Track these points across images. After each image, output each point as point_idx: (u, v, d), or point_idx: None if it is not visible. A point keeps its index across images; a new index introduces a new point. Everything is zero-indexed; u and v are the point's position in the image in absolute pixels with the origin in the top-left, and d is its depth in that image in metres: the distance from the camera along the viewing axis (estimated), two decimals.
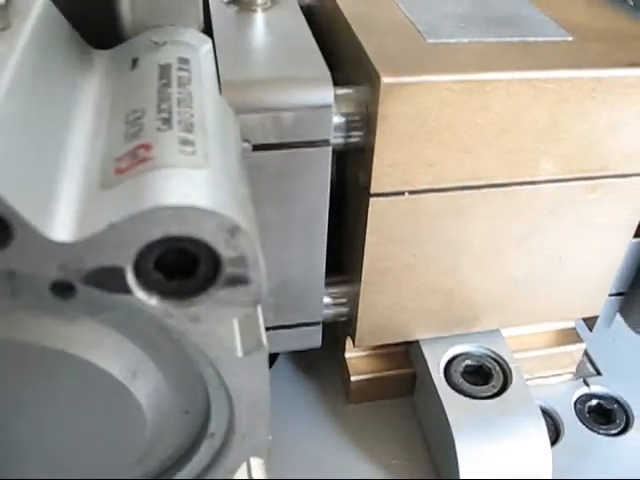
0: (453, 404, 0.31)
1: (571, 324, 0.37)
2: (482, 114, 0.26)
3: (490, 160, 0.27)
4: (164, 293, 0.18)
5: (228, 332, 0.20)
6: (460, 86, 0.25)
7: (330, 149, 0.25)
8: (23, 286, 0.18)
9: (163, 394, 0.22)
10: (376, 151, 0.25)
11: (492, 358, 0.33)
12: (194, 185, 0.17)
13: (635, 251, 0.33)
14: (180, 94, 0.21)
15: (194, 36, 0.25)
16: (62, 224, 0.17)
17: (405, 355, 0.35)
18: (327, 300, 0.31)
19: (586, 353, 0.38)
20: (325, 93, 0.24)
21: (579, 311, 0.35)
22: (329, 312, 0.32)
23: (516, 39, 0.28)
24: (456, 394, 0.31)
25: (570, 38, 0.28)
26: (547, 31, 0.29)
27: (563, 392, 0.36)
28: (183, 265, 0.18)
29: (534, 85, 0.26)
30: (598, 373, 0.38)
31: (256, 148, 0.24)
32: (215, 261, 0.17)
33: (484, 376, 0.33)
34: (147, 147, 0.18)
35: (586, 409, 0.36)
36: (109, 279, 0.17)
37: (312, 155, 0.25)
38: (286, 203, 0.26)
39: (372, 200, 0.27)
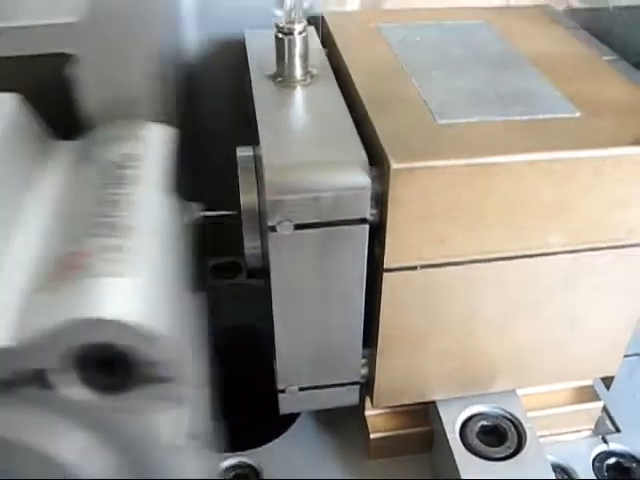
0: (468, 465, 0.32)
1: (589, 382, 0.38)
2: (489, 194, 0.27)
3: (499, 235, 0.28)
4: (91, 388, 0.20)
5: (154, 423, 0.21)
6: (468, 169, 0.26)
7: (367, 227, 0.27)
8: None
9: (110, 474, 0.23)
10: (388, 230, 0.27)
11: (507, 419, 0.34)
12: (117, 295, 0.19)
13: None
14: (120, 196, 0.22)
15: (149, 130, 0.26)
16: None
17: (424, 413, 0.36)
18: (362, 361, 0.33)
19: (605, 410, 0.39)
20: (362, 176, 0.26)
21: (595, 372, 0.35)
22: None
23: (525, 117, 0.29)
24: (471, 455, 0.32)
25: (577, 114, 0.29)
26: (555, 107, 0.30)
27: (581, 449, 0.37)
28: (109, 363, 0.19)
29: (540, 166, 0.27)
30: (617, 430, 0.38)
31: (298, 227, 0.26)
32: (132, 363, 0.19)
33: (499, 436, 0.33)
34: (81, 254, 0.20)
35: (604, 467, 0.36)
36: (40, 378, 0.19)
37: (350, 232, 0.27)
38: (326, 276, 0.28)
39: (386, 275, 0.28)
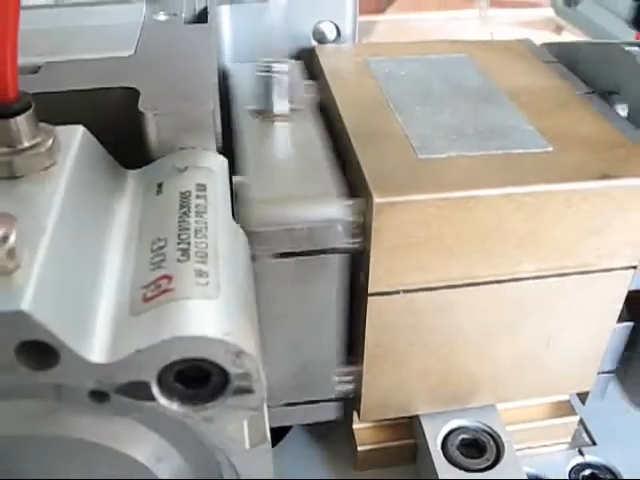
0: (448, 476, 0.34)
1: (566, 397, 0.40)
2: (466, 225, 0.29)
3: (475, 263, 0.30)
4: (183, 400, 0.22)
5: (237, 430, 0.24)
6: (446, 203, 0.28)
7: (344, 255, 0.29)
8: (67, 393, 0.22)
9: (184, 474, 0.25)
10: (372, 258, 0.29)
11: (487, 432, 0.36)
12: (206, 316, 0.21)
13: (620, 334, 0.36)
14: (197, 223, 0.24)
15: (211, 159, 0.28)
16: (98, 347, 0.21)
17: (408, 426, 0.38)
18: (336, 379, 0.35)
19: (582, 423, 0.41)
20: (335, 209, 0.28)
21: (570, 388, 0.38)
22: (339, 389, 0.35)
23: (500, 152, 0.31)
24: (452, 467, 0.34)
25: (550, 149, 0.32)
26: (529, 142, 0.32)
27: (558, 461, 0.39)
28: (200, 377, 0.21)
29: (513, 199, 0.29)
30: (593, 443, 0.40)
31: (275, 256, 0.28)
32: (224, 376, 0.21)
33: (479, 448, 0.35)
34: (169, 278, 0.22)
35: (580, 478, 0.38)
36: (137, 390, 0.21)
37: (324, 261, 0.29)
38: (301, 301, 0.30)
39: (370, 299, 0.30)
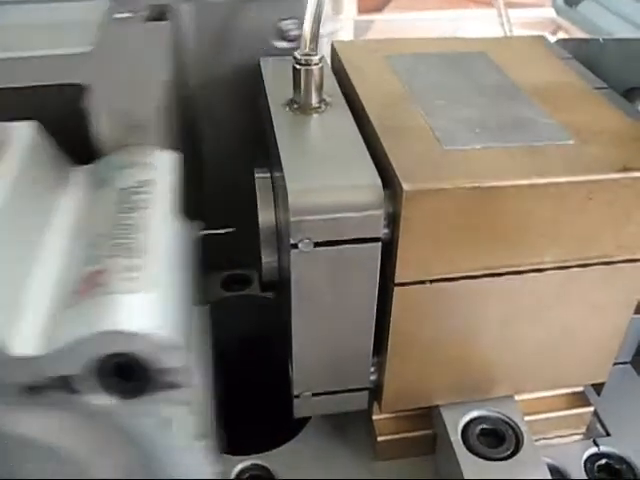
0: (469, 465, 0.34)
1: (580, 388, 0.40)
2: (492, 215, 0.29)
3: (500, 252, 0.31)
4: (110, 393, 0.22)
5: (167, 425, 0.24)
6: (473, 192, 0.29)
7: (379, 245, 0.30)
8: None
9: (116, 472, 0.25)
10: (399, 247, 0.29)
11: (505, 422, 0.36)
12: (134, 310, 0.21)
13: (637, 325, 0.37)
14: (132, 220, 0.25)
15: (156, 156, 0.29)
16: (27, 339, 0.21)
17: (428, 417, 0.38)
18: (372, 368, 0.35)
19: (596, 414, 0.41)
20: (376, 198, 0.29)
21: (586, 378, 0.38)
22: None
23: (523, 144, 0.32)
24: (472, 456, 0.34)
25: (571, 142, 0.32)
26: (551, 135, 0.33)
27: (573, 452, 0.39)
28: (127, 370, 0.22)
29: (537, 190, 0.29)
30: (608, 434, 0.41)
31: (317, 244, 0.29)
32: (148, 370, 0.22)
33: (498, 438, 0.36)
34: (100, 272, 0.23)
35: (595, 468, 0.39)
36: (65, 384, 0.22)
37: (363, 250, 0.30)
38: (341, 289, 0.31)
39: (396, 288, 0.31)
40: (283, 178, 0.29)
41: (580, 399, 0.40)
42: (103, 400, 0.22)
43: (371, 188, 0.29)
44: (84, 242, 0.24)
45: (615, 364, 0.38)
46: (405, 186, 0.28)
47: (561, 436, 0.40)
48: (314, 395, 0.35)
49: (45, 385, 0.21)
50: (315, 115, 0.34)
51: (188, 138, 0.40)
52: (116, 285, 0.22)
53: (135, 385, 0.22)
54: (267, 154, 0.36)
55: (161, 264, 0.24)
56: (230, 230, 0.44)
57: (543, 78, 0.39)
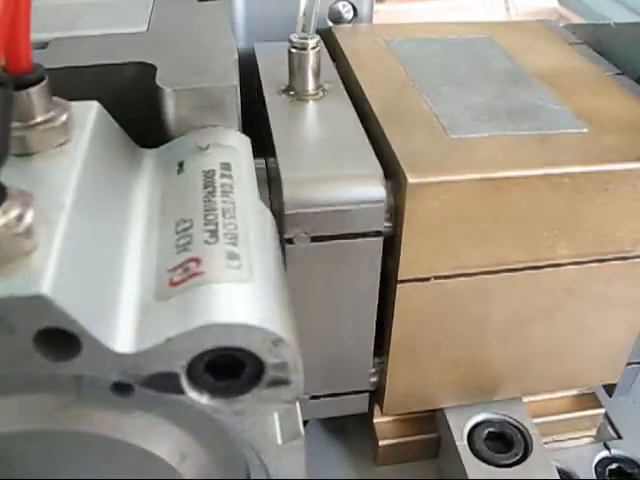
0: (476, 472, 0.32)
1: (591, 389, 0.39)
2: (502, 207, 0.28)
3: (509, 247, 0.29)
4: (213, 392, 0.20)
5: (270, 423, 0.22)
6: (481, 184, 0.27)
7: (381, 239, 0.28)
8: (88, 386, 0.20)
9: (209, 473, 0.24)
10: (403, 242, 0.28)
11: (513, 425, 0.35)
12: (241, 301, 0.19)
13: None
14: (224, 203, 0.23)
15: (234, 138, 0.27)
16: (123, 335, 0.19)
17: (430, 420, 0.36)
18: (372, 370, 0.33)
19: (607, 416, 0.40)
20: (378, 189, 0.27)
21: (598, 379, 0.36)
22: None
23: (534, 132, 0.30)
24: (479, 462, 0.33)
25: (585, 130, 0.30)
26: (564, 123, 0.31)
27: (584, 455, 0.38)
28: (231, 367, 0.20)
29: (550, 180, 0.27)
30: (619, 437, 0.39)
31: (314, 239, 0.27)
32: (259, 366, 0.20)
33: (506, 442, 0.34)
34: (197, 261, 0.20)
35: (607, 472, 0.37)
36: (164, 382, 0.19)
37: (365, 244, 0.28)
38: (341, 286, 0.29)
39: (399, 286, 0.29)
40: (277, 168, 0.27)
41: (590, 400, 0.38)
42: (205, 400, 0.20)
43: (372, 179, 0.27)
44: (172, 228, 0.22)
45: (628, 364, 0.36)
46: (409, 177, 0.26)
47: (570, 439, 0.38)
48: (312, 398, 0.33)
49: (142, 383, 0.19)
50: (312, 102, 0.32)
51: None
52: (217, 274, 0.20)
53: (242, 383, 0.20)
54: (262, 144, 0.34)
55: (261, 251, 0.22)
56: None
57: (553, 64, 0.37)
